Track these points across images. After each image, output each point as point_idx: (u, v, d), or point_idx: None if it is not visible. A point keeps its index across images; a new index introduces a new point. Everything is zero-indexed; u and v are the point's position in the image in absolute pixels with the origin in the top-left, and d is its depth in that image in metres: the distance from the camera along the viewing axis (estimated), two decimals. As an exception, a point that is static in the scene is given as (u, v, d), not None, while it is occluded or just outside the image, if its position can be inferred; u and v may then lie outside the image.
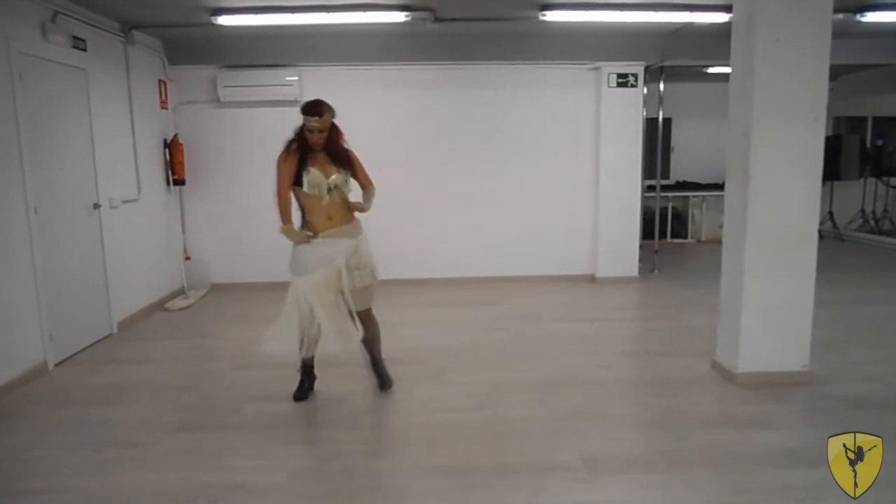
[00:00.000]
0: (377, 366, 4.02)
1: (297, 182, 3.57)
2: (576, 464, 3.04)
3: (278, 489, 2.88)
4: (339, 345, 3.58)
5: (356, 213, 3.77)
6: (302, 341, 3.67)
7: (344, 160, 3.67)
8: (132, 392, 4.10)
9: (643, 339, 5.38)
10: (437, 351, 4.76)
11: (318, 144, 3.57)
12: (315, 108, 3.53)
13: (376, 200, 3.82)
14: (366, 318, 3.77)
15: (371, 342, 3.92)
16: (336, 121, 3.64)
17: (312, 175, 3.55)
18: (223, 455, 3.22)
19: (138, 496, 2.83)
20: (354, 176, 3.75)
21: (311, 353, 3.78)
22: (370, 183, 3.85)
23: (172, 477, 3.00)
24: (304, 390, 3.92)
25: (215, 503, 2.77)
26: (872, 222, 9.76)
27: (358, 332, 3.64)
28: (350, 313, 3.64)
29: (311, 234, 3.64)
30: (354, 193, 3.78)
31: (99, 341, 5.16)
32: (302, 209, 3.70)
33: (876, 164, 9.56)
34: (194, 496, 2.82)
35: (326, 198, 3.57)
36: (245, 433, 3.46)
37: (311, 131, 3.54)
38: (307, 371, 3.95)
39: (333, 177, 3.59)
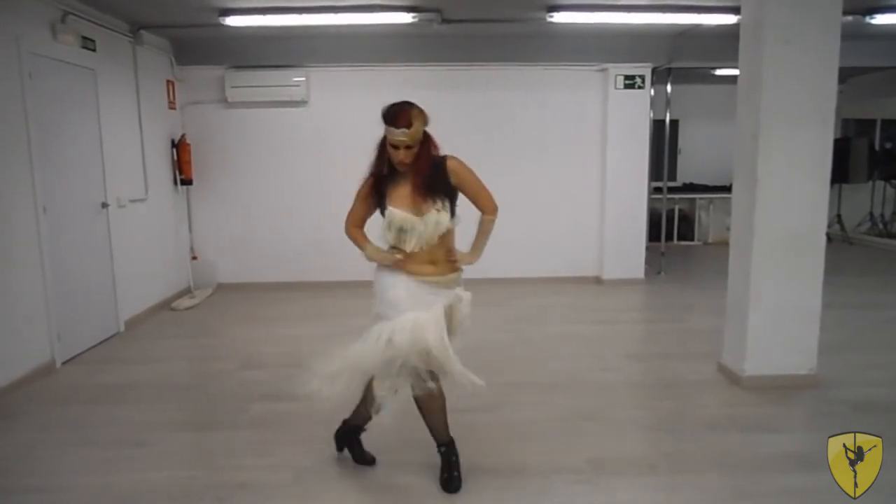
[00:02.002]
0: (449, 454, 2.93)
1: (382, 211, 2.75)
2: (581, 466, 3.04)
3: (284, 488, 2.89)
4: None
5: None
6: (367, 396, 2.84)
7: (441, 185, 2.69)
8: (139, 391, 4.12)
9: (649, 341, 5.36)
10: (443, 352, 4.75)
11: (404, 165, 2.65)
12: (401, 117, 2.60)
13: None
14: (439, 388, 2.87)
15: (439, 418, 2.95)
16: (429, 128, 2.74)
17: (394, 217, 2.66)
18: (229, 454, 3.23)
19: (145, 494, 2.85)
20: (466, 195, 2.80)
21: (372, 412, 2.82)
22: (489, 208, 2.83)
23: (178, 475, 3.01)
24: (358, 453, 3.09)
25: (221, 502, 2.78)
26: (881, 225, 9.71)
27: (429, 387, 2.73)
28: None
29: (400, 257, 2.71)
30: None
31: (106, 340, 5.19)
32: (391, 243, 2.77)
33: (885, 167, 9.51)
34: (200, 495, 2.83)
35: (414, 245, 2.66)
36: (251, 432, 3.47)
37: (395, 147, 2.62)
38: (355, 431, 3.08)
39: (431, 215, 2.65)
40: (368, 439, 3.12)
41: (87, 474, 3.03)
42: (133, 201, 5.72)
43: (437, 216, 2.66)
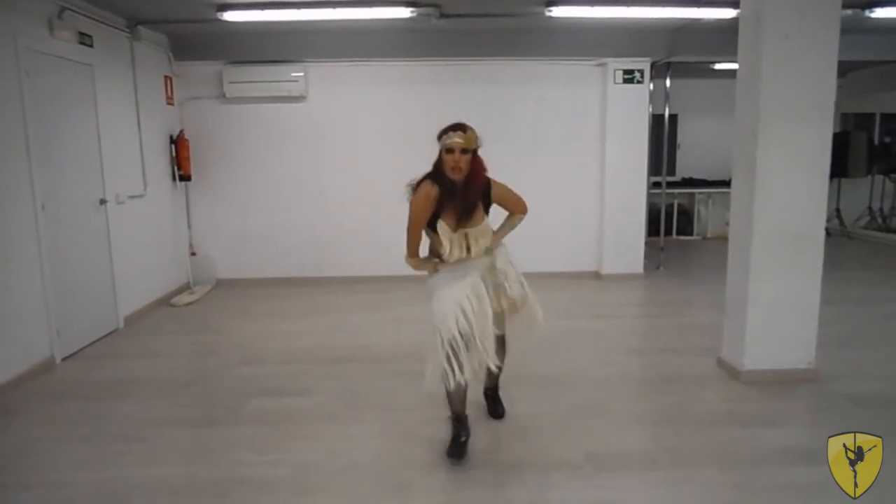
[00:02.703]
0: (496, 392, 3.55)
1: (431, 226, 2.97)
2: (580, 461, 3.04)
3: (284, 483, 2.89)
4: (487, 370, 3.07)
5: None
6: (453, 376, 2.90)
7: (486, 203, 3.03)
8: (139, 387, 4.12)
9: (648, 336, 5.37)
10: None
11: (457, 171, 2.84)
12: (457, 125, 2.88)
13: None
14: (499, 346, 3.20)
15: (499, 370, 3.32)
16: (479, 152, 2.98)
17: (455, 239, 2.94)
18: (229, 450, 3.23)
19: (146, 490, 2.85)
20: (501, 204, 3.15)
21: (463, 387, 3.01)
22: (522, 208, 3.21)
23: (179, 471, 3.01)
24: (460, 445, 3.07)
25: (221, 497, 2.78)
26: (880, 220, 9.72)
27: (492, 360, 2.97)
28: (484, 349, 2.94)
29: (437, 260, 3.04)
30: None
31: (105, 336, 5.19)
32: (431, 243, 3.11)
33: (884, 161, 9.51)
34: (200, 490, 2.84)
35: (458, 253, 2.95)
36: (250, 428, 3.48)
37: (450, 151, 2.82)
38: (461, 420, 3.14)
39: (473, 230, 2.96)
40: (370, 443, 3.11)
41: (87, 470, 3.04)
42: (132, 197, 5.72)
43: (482, 227, 3.00)
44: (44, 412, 3.74)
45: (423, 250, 3.13)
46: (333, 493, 2.84)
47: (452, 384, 2.90)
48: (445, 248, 2.94)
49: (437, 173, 2.91)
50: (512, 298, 3.12)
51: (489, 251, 3.08)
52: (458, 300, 2.89)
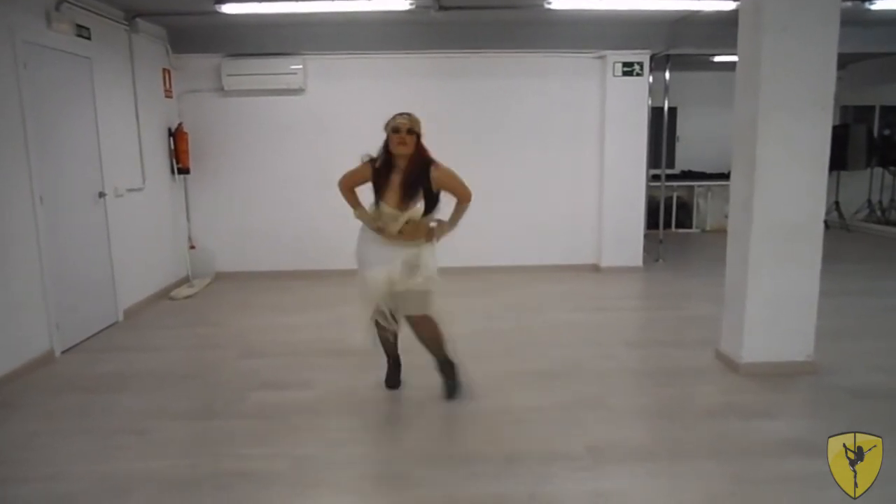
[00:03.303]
0: (443, 370, 3.72)
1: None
2: (580, 453, 3.05)
3: (283, 477, 2.90)
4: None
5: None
6: (376, 326, 3.56)
7: (422, 187, 3.34)
8: (138, 380, 4.13)
9: (647, 328, 5.38)
10: (442, 340, 4.76)
11: (402, 149, 3.28)
12: (404, 113, 3.34)
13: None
14: (419, 323, 3.54)
15: (428, 345, 3.65)
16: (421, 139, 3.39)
17: (385, 216, 3.36)
18: (228, 443, 3.24)
19: (145, 483, 2.86)
20: (443, 189, 3.45)
21: (390, 334, 3.66)
22: (466, 196, 3.48)
23: (178, 464, 3.02)
24: (395, 376, 3.84)
25: (221, 490, 2.79)
26: (879, 212, 9.72)
27: (393, 327, 3.57)
28: (390, 314, 3.50)
29: (381, 225, 3.41)
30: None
31: (105, 329, 5.19)
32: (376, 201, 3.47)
33: (883, 154, 9.50)
34: (200, 483, 2.85)
35: (394, 230, 3.37)
36: (250, 421, 3.48)
37: (396, 131, 3.26)
38: (393, 359, 3.85)
39: (408, 214, 3.32)
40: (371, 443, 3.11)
41: (88, 463, 3.04)
42: (130, 191, 5.71)
43: (411, 213, 3.32)
44: (43, 405, 3.74)
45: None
46: (333, 487, 2.85)
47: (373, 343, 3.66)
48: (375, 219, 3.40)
49: (382, 154, 3.38)
50: (418, 287, 3.42)
51: (418, 244, 3.42)
52: (379, 282, 3.40)
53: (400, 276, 3.38)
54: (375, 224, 3.41)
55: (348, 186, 3.55)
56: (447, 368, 3.69)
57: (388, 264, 3.39)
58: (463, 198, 3.47)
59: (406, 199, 3.31)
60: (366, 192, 3.51)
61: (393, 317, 3.51)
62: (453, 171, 3.43)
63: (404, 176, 3.33)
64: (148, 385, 4.04)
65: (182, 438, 3.31)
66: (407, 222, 3.34)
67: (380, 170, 3.37)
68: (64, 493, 2.79)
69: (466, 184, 3.46)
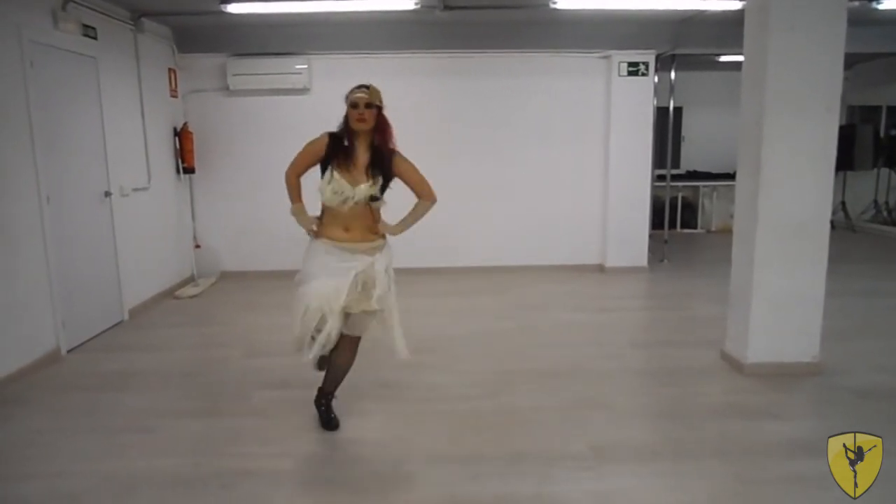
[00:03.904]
0: (325, 401, 3.38)
1: (323, 173, 3.08)
2: (584, 453, 3.05)
3: (287, 475, 2.91)
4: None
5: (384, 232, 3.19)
6: (307, 347, 3.17)
7: (384, 166, 3.05)
8: (143, 378, 4.14)
9: (652, 328, 5.37)
10: (446, 340, 4.76)
11: (362, 125, 3.00)
12: (362, 85, 3.08)
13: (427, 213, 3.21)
14: (348, 346, 3.21)
15: (339, 374, 3.32)
16: (386, 113, 3.14)
17: (336, 183, 3.00)
18: (233, 441, 3.25)
19: (150, 481, 2.87)
20: (404, 180, 3.14)
21: (319, 363, 3.35)
22: (427, 195, 3.16)
23: (183, 462, 3.03)
24: (328, 417, 3.35)
25: (226, 488, 2.80)
26: (885, 213, 9.67)
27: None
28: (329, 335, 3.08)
29: (317, 230, 3.20)
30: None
31: (110, 328, 5.21)
32: (322, 208, 3.20)
33: (890, 155, 9.45)
34: (205, 481, 2.85)
35: (345, 208, 3.03)
36: (254, 420, 3.49)
37: (355, 106, 3.01)
38: (324, 396, 3.38)
39: (362, 187, 3.00)
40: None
41: (93, 461, 3.05)
42: (136, 190, 5.72)
43: (367, 189, 3.00)
44: (49, 403, 3.76)
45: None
46: (337, 485, 2.85)
47: (306, 358, 3.20)
48: (324, 191, 3.05)
49: (341, 130, 3.10)
50: (371, 309, 3.10)
51: (373, 249, 3.11)
52: (324, 300, 3.02)
53: (351, 294, 3.03)
54: (310, 226, 3.20)
55: (299, 171, 3.22)
56: (330, 403, 3.38)
57: (337, 277, 3.03)
58: (427, 196, 3.16)
59: (370, 168, 3.04)
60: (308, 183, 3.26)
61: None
62: (416, 167, 3.17)
63: (371, 152, 3.06)
64: (153, 384, 4.05)
65: (187, 437, 3.32)
66: (362, 200, 3.01)
67: (339, 141, 3.08)
68: (69, 492, 2.80)
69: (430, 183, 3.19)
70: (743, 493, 2.72)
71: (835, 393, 3.72)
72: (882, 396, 3.67)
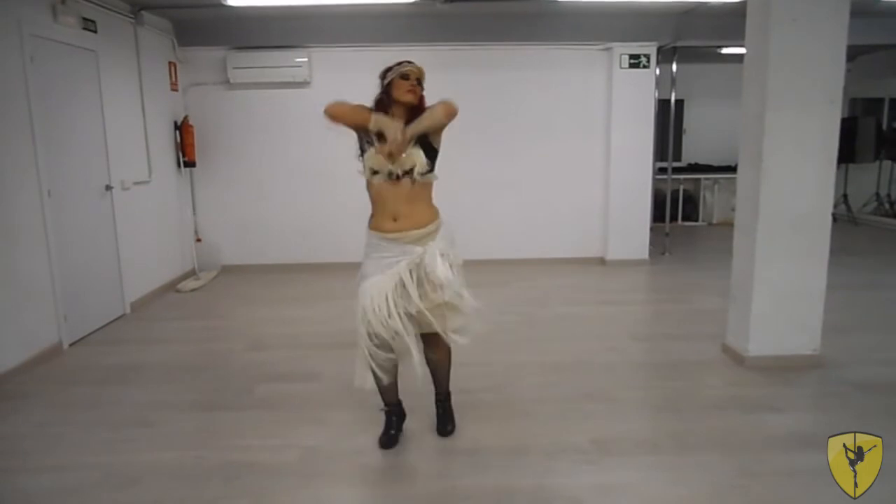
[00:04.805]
0: (441, 402, 3.24)
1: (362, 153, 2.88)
2: (585, 446, 3.06)
3: (290, 468, 2.92)
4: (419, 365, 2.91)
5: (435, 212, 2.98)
6: (373, 368, 2.90)
7: (424, 141, 2.84)
8: (146, 372, 4.15)
9: (653, 321, 5.37)
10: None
11: (411, 96, 2.83)
12: (407, 60, 2.92)
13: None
14: (433, 343, 2.99)
15: (435, 372, 3.15)
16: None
17: (370, 158, 2.80)
18: (236, 434, 3.26)
19: (153, 474, 2.88)
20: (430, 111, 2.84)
21: (390, 380, 3.01)
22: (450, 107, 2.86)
23: (186, 456, 3.04)
24: (390, 436, 3.10)
25: (228, 482, 2.81)
26: (887, 206, 9.65)
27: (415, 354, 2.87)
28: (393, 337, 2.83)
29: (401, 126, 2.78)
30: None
31: (112, 322, 5.22)
32: (370, 198, 2.94)
33: (892, 147, 9.41)
34: (207, 475, 2.86)
35: (392, 188, 2.79)
36: (257, 413, 3.50)
37: (405, 77, 2.82)
38: (392, 407, 3.15)
39: (402, 157, 2.76)
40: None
41: (96, 454, 3.06)
42: (137, 184, 5.72)
43: (418, 159, 2.79)
44: (51, 397, 3.77)
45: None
46: (339, 478, 2.86)
47: (369, 384, 2.95)
48: (367, 166, 2.85)
49: (383, 101, 2.88)
50: (431, 303, 2.82)
51: (423, 237, 2.84)
52: (381, 295, 2.77)
53: (403, 296, 2.79)
54: (397, 133, 2.74)
55: (346, 107, 2.95)
56: (448, 400, 3.25)
57: (388, 271, 2.80)
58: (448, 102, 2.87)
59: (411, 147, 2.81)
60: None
61: (390, 345, 2.85)
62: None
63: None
64: (155, 377, 4.06)
65: (189, 430, 3.33)
66: (404, 175, 2.80)
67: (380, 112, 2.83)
68: (72, 485, 2.81)
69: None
70: (744, 486, 2.72)
71: (836, 386, 3.72)
72: (883, 389, 3.67)
